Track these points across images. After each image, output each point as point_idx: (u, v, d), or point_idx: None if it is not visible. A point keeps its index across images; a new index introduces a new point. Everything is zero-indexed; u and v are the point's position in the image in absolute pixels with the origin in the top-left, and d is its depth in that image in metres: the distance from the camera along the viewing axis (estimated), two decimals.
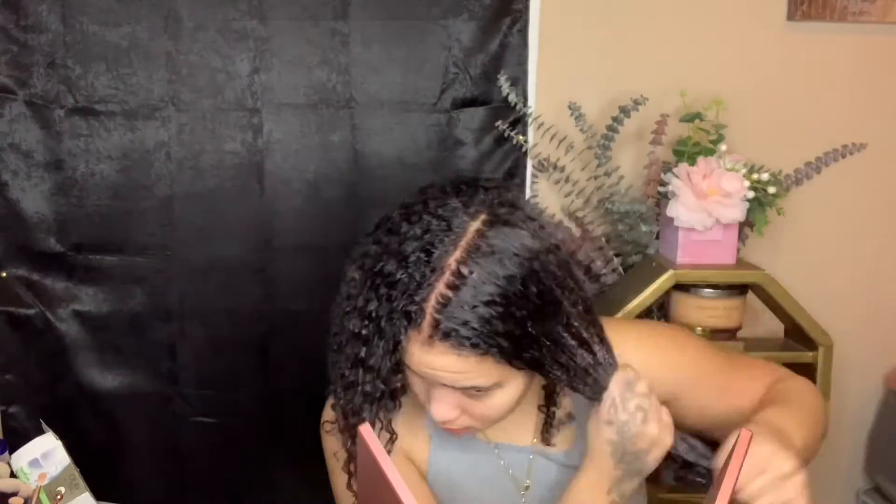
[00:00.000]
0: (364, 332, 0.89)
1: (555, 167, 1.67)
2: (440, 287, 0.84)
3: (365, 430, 0.77)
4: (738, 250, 1.63)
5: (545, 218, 1.01)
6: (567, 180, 1.68)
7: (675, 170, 1.57)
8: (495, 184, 0.94)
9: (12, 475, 1.07)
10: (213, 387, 1.74)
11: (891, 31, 1.77)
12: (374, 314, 0.88)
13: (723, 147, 1.59)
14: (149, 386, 1.73)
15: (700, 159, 1.56)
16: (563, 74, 1.71)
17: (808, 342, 1.61)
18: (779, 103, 1.77)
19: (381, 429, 0.96)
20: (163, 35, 1.64)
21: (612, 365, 0.92)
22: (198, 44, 1.65)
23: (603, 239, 1.69)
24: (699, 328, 1.59)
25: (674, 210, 1.55)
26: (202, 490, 1.78)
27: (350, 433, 0.97)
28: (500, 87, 1.66)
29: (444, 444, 1.06)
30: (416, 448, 1.06)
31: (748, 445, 0.85)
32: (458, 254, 0.85)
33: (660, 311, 1.67)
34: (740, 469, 0.83)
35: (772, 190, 1.58)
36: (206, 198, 1.69)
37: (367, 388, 0.91)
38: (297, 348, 1.73)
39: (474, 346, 0.84)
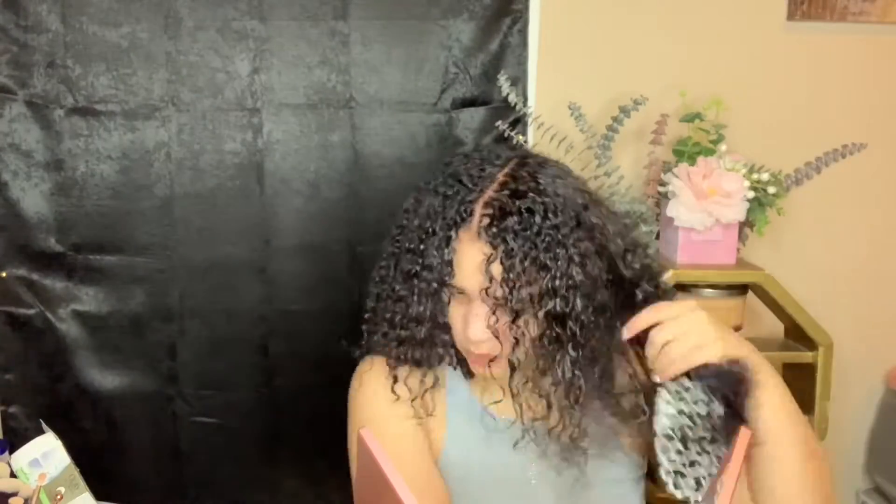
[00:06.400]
0: (420, 244, 0.98)
1: None
2: (489, 192, 0.96)
3: (366, 433, 0.77)
4: (738, 250, 1.63)
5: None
6: None
7: (675, 170, 1.57)
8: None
9: (12, 475, 1.07)
10: (213, 387, 1.74)
11: (891, 31, 1.77)
12: (428, 225, 0.98)
13: (723, 147, 1.59)
14: (149, 386, 1.73)
15: (700, 159, 1.56)
16: (563, 74, 1.72)
17: (808, 342, 1.61)
18: (779, 103, 1.77)
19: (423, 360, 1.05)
20: (163, 35, 1.64)
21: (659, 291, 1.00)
22: (198, 44, 1.65)
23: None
24: None
25: (674, 210, 1.55)
26: (202, 490, 1.78)
27: (397, 356, 1.05)
28: (500, 87, 1.66)
29: (461, 420, 1.10)
30: (434, 424, 1.10)
31: (748, 445, 0.85)
32: (506, 170, 0.99)
33: None
34: (741, 469, 0.83)
35: (772, 190, 1.59)
36: (206, 198, 1.69)
37: (423, 285, 0.99)
38: (297, 348, 1.73)
39: (514, 242, 0.93)
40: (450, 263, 0.96)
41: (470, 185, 0.97)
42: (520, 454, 1.08)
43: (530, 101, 1.70)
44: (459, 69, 1.68)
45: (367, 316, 1.10)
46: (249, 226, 1.70)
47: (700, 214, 1.53)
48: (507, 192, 0.95)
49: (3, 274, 1.68)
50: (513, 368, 1.01)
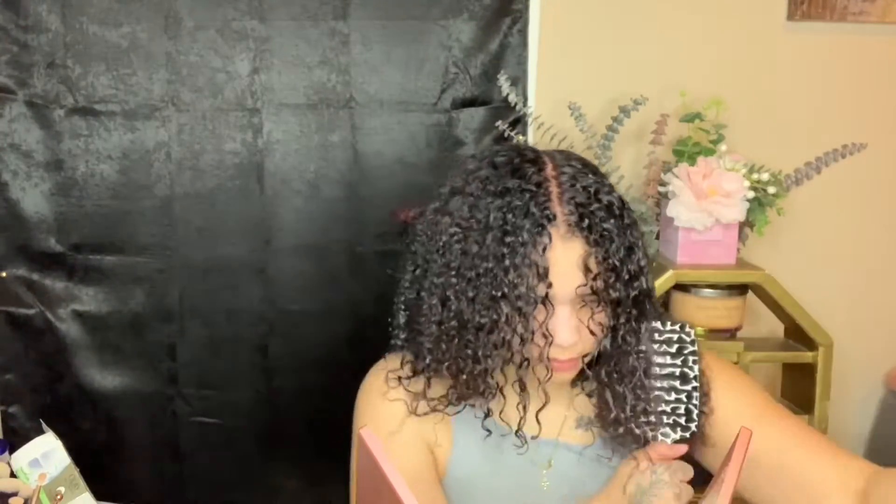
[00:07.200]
0: (504, 261, 0.92)
1: None
2: (555, 190, 0.93)
3: (366, 433, 0.77)
4: (738, 250, 1.63)
5: None
6: None
7: (675, 170, 1.57)
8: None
9: (12, 475, 1.07)
10: (213, 387, 1.74)
11: (891, 31, 1.77)
12: (511, 240, 0.92)
13: (723, 147, 1.59)
14: (149, 386, 1.73)
15: (700, 159, 1.56)
16: (563, 74, 1.72)
17: (808, 342, 1.61)
18: (779, 103, 1.77)
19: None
20: (163, 35, 1.64)
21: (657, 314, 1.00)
22: (198, 44, 1.65)
23: None
24: (699, 328, 1.59)
25: (674, 210, 1.55)
26: (202, 490, 1.78)
27: (476, 385, 0.98)
28: (500, 87, 1.66)
29: (466, 431, 1.06)
30: (439, 438, 1.06)
31: (748, 443, 0.85)
32: (549, 165, 0.96)
33: None
34: (741, 467, 0.83)
35: (772, 190, 1.58)
36: (206, 198, 1.69)
37: (520, 304, 0.92)
38: (297, 348, 1.73)
39: (609, 230, 0.92)
40: (546, 272, 0.91)
41: (534, 189, 0.93)
42: (532, 463, 1.06)
43: (530, 101, 1.70)
44: (459, 69, 1.68)
45: (427, 362, 1.01)
46: (249, 226, 1.70)
47: (700, 214, 1.53)
48: (573, 184, 0.94)
49: (3, 274, 1.68)
50: (589, 365, 1.00)
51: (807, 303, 1.60)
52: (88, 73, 1.64)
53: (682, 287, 1.59)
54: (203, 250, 1.70)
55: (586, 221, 0.92)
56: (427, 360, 1.01)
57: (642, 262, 0.96)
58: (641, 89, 1.63)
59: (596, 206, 0.93)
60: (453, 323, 0.96)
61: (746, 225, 1.64)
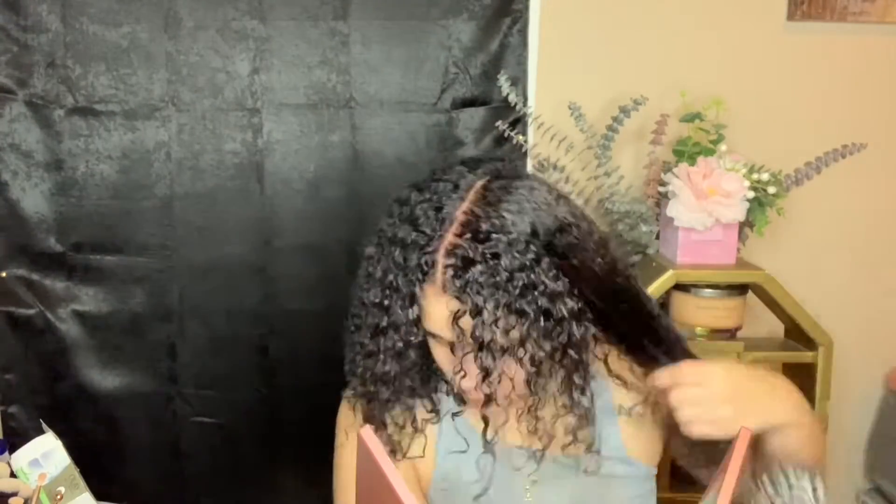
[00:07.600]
0: (384, 300, 0.93)
1: (555, 167, 1.67)
2: (449, 237, 0.88)
3: (366, 433, 0.77)
4: (738, 250, 1.63)
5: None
6: (567, 180, 1.68)
7: (675, 170, 1.57)
8: (498, 157, 0.99)
9: (12, 475, 1.07)
10: (213, 387, 1.74)
11: (891, 31, 1.77)
12: (391, 279, 0.91)
13: (723, 147, 1.59)
14: (149, 386, 1.73)
15: (700, 159, 1.56)
16: (563, 74, 1.71)
17: (808, 342, 1.61)
18: (779, 103, 1.77)
19: (397, 408, 1.00)
20: (163, 35, 1.64)
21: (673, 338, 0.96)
22: (198, 44, 1.65)
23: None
24: (699, 328, 1.59)
25: (674, 210, 1.55)
26: (202, 490, 1.78)
27: (368, 410, 1.00)
28: (500, 87, 1.66)
29: (451, 447, 1.05)
30: (422, 449, 1.06)
31: (748, 443, 0.85)
32: (465, 205, 0.89)
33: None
34: (741, 467, 0.83)
35: (772, 190, 1.58)
36: (206, 198, 1.69)
37: (388, 343, 0.94)
38: (297, 348, 1.73)
39: (481, 294, 0.85)
40: (416, 322, 0.91)
41: (428, 231, 0.89)
42: (516, 478, 1.04)
43: (530, 101, 1.70)
44: (459, 69, 1.68)
45: (346, 367, 1.05)
46: (249, 226, 1.70)
47: (700, 214, 1.53)
48: (468, 235, 0.86)
49: (3, 274, 1.68)
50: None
51: (807, 303, 1.60)
52: (88, 73, 1.64)
53: (682, 287, 1.59)
54: (203, 250, 1.70)
55: (458, 281, 0.86)
56: (347, 367, 1.04)
57: (536, 326, 0.87)
58: (641, 89, 1.63)
59: (479, 267, 0.85)
60: (357, 339, 1.00)
61: (746, 225, 1.64)
